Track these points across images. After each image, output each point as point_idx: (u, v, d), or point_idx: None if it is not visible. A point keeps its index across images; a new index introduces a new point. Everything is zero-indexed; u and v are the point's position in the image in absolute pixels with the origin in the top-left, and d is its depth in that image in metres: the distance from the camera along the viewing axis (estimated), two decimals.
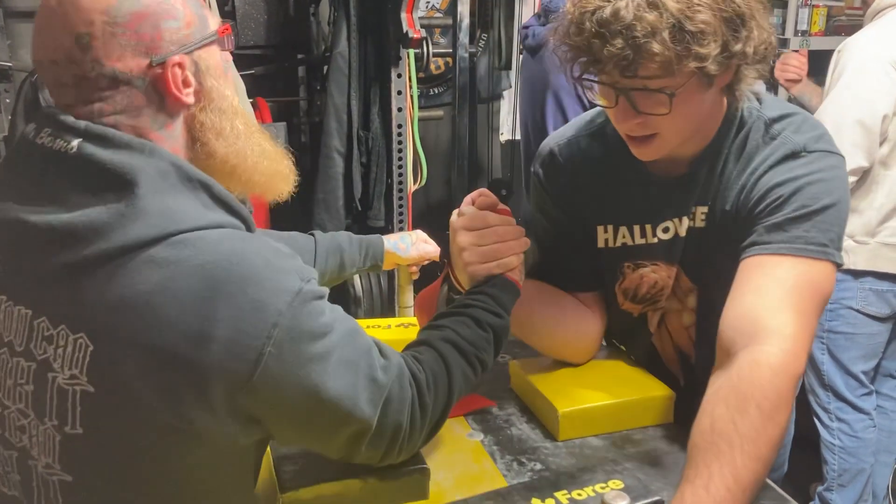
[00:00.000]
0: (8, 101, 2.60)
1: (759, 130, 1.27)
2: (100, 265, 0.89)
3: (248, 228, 1.00)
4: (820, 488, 2.69)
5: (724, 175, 1.29)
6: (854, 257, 2.46)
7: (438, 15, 3.67)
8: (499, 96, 3.80)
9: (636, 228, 1.38)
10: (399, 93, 2.74)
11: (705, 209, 1.31)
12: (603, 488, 1.10)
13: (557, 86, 2.65)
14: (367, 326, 1.68)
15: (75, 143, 0.92)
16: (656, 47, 1.08)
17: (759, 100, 1.31)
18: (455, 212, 1.28)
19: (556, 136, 1.47)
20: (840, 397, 2.59)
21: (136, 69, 0.95)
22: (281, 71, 3.26)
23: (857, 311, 2.49)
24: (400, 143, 2.80)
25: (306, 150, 3.34)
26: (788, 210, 1.19)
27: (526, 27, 2.89)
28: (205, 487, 0.99)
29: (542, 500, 1.08)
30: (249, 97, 2.89)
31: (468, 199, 1.29)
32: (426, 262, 1.82)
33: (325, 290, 0.99)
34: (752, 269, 1.18)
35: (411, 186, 2.91)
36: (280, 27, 3.17)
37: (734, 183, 1.27)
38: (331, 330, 0.96)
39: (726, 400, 1.06)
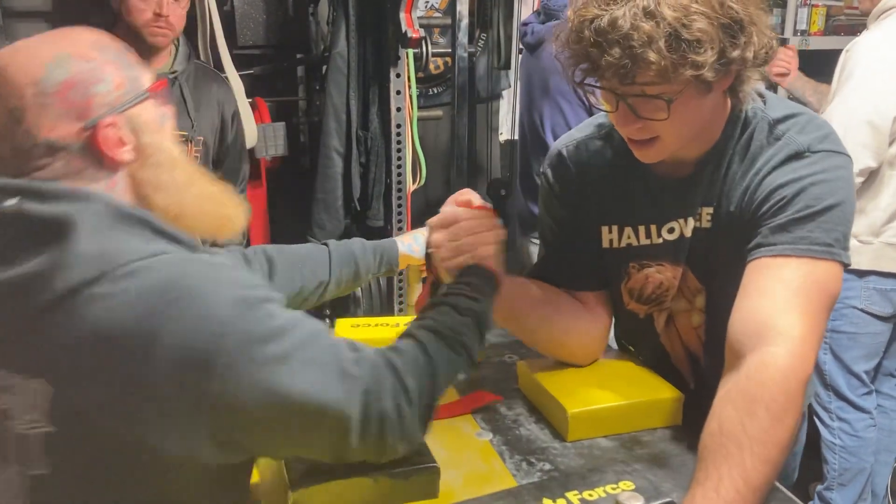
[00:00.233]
0: None
1: (763, 131, 1.27)
2: (48, 312, 0.92)
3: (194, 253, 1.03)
4: (820, 487, 2.69)
5: (728, 175, 1.29)
6: (858, 257, 2.45)
7: (437, 15, 3.66)
8: (498, 96, 3.79)
9: (641, 229, 1.39)
10: (398, 92, 2.74)
11: (710, 210, 1.31)
12: (614, 489, 1.10)
13: (555, 87, 2.64)
14: (375, 325, 1.70)
15: (13, 201, 0.96)
16: (653, 56, 1.09)
17: (763, 100, 1.31)
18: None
19: (565, 138, 1.50)
20: (841, 397, 2.59)
21: (70, 135, 0.99)
22: (280, 71, 3.25)
23: (861, 310, 2.49)
24: (399, 142, 2.80)
25: (305, 150, 3.34)
26: (792, 211, 1.19)
27: (525, 24, 2.90)
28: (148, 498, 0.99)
29: (553, 501, 1.09)
30: (248, 97, 2.89)
31: (450, 199, 1.35)
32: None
33: (275, 295, 1.02)
34: (758, 271, 1.18)
35: (410, 186, 2.91)
36: (279, 27, 3.17)
37: (739, 183, 1.27)
38: (287, 332, 0.97)
39: (735, 402, 1.06)
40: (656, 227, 1.38)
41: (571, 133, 1.50)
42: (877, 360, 2.60)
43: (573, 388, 1.41)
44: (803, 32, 3.86)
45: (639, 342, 1.55)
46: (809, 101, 2.94)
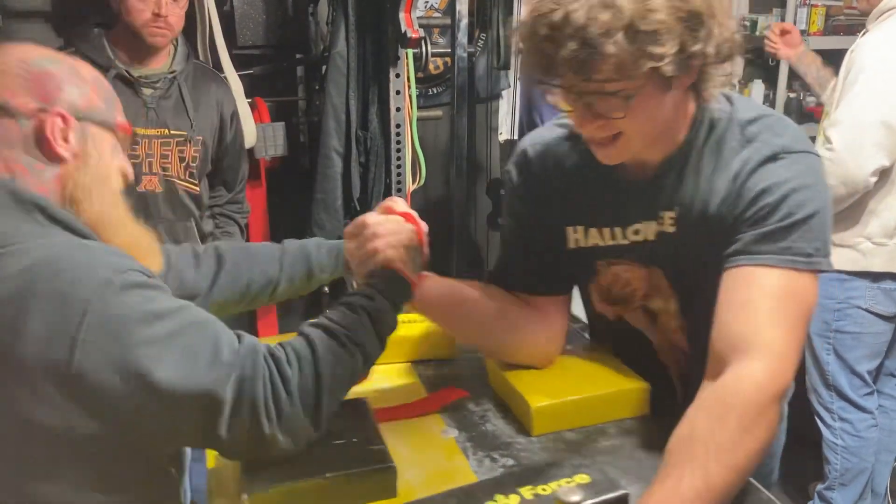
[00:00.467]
0: None
1: (733, 134, 1.26)
2: None
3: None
4: (820, 487, 2.69)
5: (699, 178, 1.27)
6: (871, 259, 2.45)
7: (437, 15, 3.66)
8: (497, 96, 3.78)
9: (606, 231, 1.38)
10: (398, 92, 2.74)
11: (673, 214, 1.29)
12: (568, 482, 1.08)
13: None
14: None
15: None
16: (610, 48, 1.07)
17: (730, 101, 1.29)
18: None
19: (531, 137, 1.48)
20: (843, 397, 2.59)
21: (24, 108, 1.10)
22: (279, 71, 3.25)
23: (866, 310, 2.49)
24: (398, 142, 2.80)
25: (305, 150, 3.33)
26: (776, 219, 1.18)
27: None
28: (69, 478, 1.03)
29: (506, 496, 1.06)
30: (248, 97, 2.89)
31: (377, 208, 1.38)
32: None
33: (157, 283, 1.07)
34: (740, 280, 1.18)
35: (410, 186, 2.91)
36: (278, 27, 3.16)
37: (713, 188, 1.25)
38: (163, 317, 1.02)
39: (707, 409, 1.07)
40: (621, 229, 1.37)
41: (539, 131, 1.48)
42: (879, 360, 2.60)
43: (539, 382, 1.41)
44: (803, 32, 3.85)
45: (615, 347, 1.54)
46: (811, 82, 2.93)
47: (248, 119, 2.79)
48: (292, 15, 3.20)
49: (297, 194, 3.07)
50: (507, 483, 1.11)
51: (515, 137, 3.61)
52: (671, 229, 1.31)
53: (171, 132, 2.41)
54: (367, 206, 2.88)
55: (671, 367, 1.46)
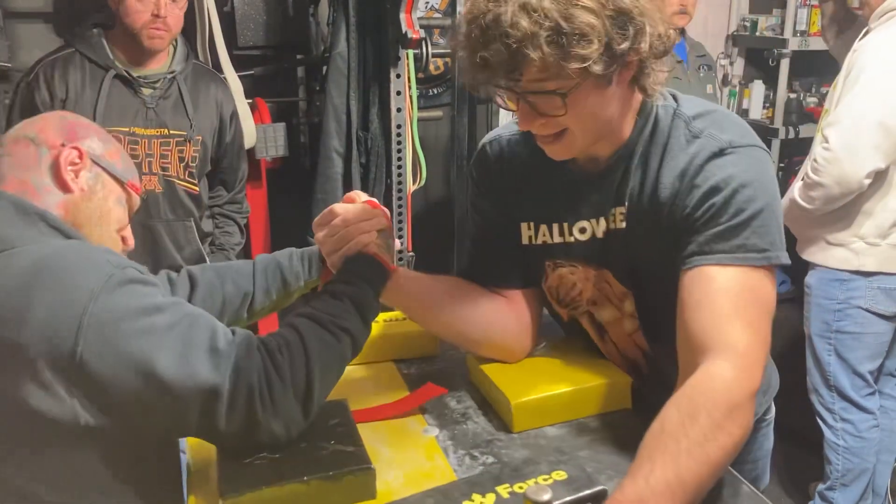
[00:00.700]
0: (6, 101, 2.60)
1: (679, 129, 1.26)
2: None
3: None
4: (821, 487, 2.69)
5: (646, 174, 1.27)
6: (864, 259, 2.45)
7: (437, 15, 3.66)
8: None
9: (555, 227, 1.39)
10: (398, 93, 2.73)
11: (623, 209, 1.30)
12: (546, 480, 1.08)
13: None
14: None
15: None
16: (532, 52, 1.08)
17: (675, 99, 1.30)
18: None
19: (491, 134, 1.50)
20: (845, 397, 2.58)
21: (49, 141, 1.24)
22: (280, 71, 3.25)
23: (866, 310, 2.49)
24: (399, 143, 2.80)
25: (305, 151, 3.34)
26: (726, 217, 1.19)
27: None
28: (62, 474, 1.07)
29: (483, 496, 1.07)
30: (248, 98, 2.89)
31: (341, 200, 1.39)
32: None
33: (152, 279, 1.14)
34: (697, 281, 1.18)
35: (411, 187, 2.91)
36: (279, 28, 3.16)
37: (661, 182, 1.25)
38: (162, 310, 1.07)
39: (679, 406, 1.07)
40: (568, 225, 1.37)
41: (498, 129, 1.50)
42: (880, 360, 2.60)
43: (519, 377, 1.40)
44: (803, 33, 3.86)
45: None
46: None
47: (248, 119, 2.79)
48: (293, 16, 3.20)
49: (298, 195, 3.07)
50: (485, 482, 1.11)
51: None
52: (622, 225, 1.31)
53: (171, 132, 2.42)
54: None
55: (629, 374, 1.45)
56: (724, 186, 1.19)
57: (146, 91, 2.39)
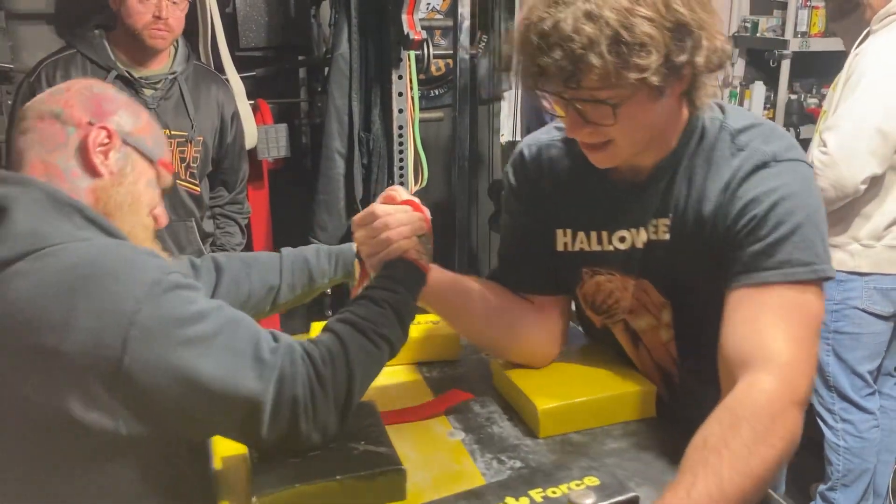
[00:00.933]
0: (10, 102, 2.60)
1: (724, 142, 1.25)
2: None
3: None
4: (822, 487, 2.69)
5: (691, 186, 1.27)
6: (859, 260, 2.45)
7: (439, 17, 3.67)
8: (499, 97, 3.79)
9: (593, 235, 1.38)
10: (400, 94, 2.74)
11: (667, 221, 1.29)
12: (578, 485, 1.08)
13: None
14: None
15: None
16: (594, 60, 1.08)
17: (722, 110, 1.29)
18: None
19: (529, 138, 1.49)
20: (845, 398, 2.58)
21: (76, 119, 1.15)
22: (282, 72, 3.26)
23: (863, 310, 2.48)
24: (401, 144, 2.81)
25: (307, 152, 3.34)
26: (767, 230, 1.18)
27: None
28: (108, 482, 1.04)
29: (516, 499, 1.06)
30: (250, 99, 2.89)
31: (379, 197, 1.36)
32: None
33: (195, 284, 1.08)
34: (743, 301, 1.17)
35: (412, 187, 2.91)
36: (281, 29, 3.17)
37: (705, 195, 1.25)
38: (205, 317, 1.03)
39: (720, 419, 1.06)
40: (607, 233, 1.36)
41: (537, 133, 1.49)
42: (879, 360, 2.60)
43: (545, 383, 1.40)
44: (804, 34, 3.86)
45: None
46: None
47: (249, 120, 2.79)
48: (294, 17, 3.21)
49: (300, 196, 3.08)
50: (517, 485, 1.11)
51: (517, 139, 3.61)
52: (665, 237, 1.30)
53: (172, 132, 2.42)
54: None
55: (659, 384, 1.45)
56: (765, 199, 1.19)
57: (147, 92, 2.40)
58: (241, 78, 2.84)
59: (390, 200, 1.34)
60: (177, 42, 2.48)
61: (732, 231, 1.21)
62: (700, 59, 1.14)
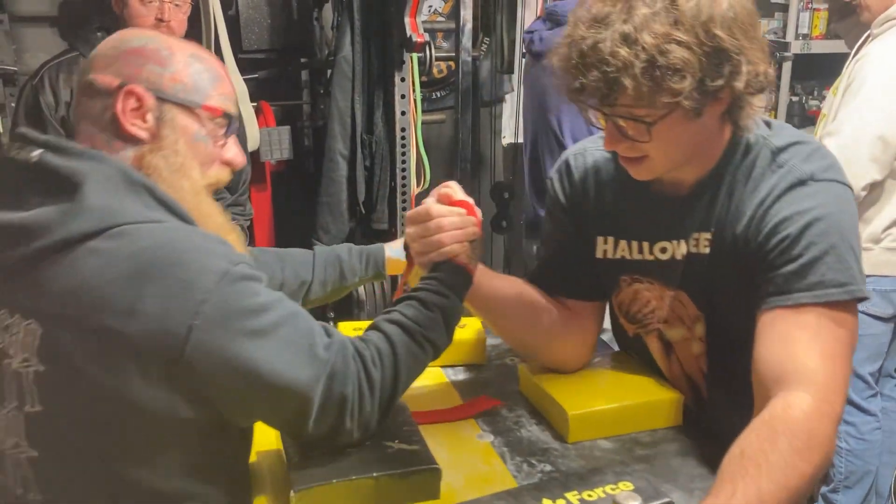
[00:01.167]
0: (13, 104, 2.61)
1: (765, 158, 1.26)
2: (47, 257, 1.00)
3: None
4: (824, 489, 2.69)
5: (731, 202, 1.27)
6: None
7: (440, 19, 3.67)
8: (501, 99, 3.80)
9: (634, 244, 1.39)
10: (402, 96, 2.74)
11: (709, 235, 1.30)
12: (613, 489, 1.10)
13: None
14: None
15: (36, 153, 1.05)
16: (628, 81, 1.10)
17: (769, 126, 1.29)
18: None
19: (577, 146, 1.51)
20: (847, 400, 2.58)
21: (108, 85, 1.10)
22: (284, 75, 3.27)
23: (863, 312, 2.48)
24: (403, 146, 2.81)
25: (310, 154, 3.35)
26: (799, 249, 1.17)
27: (530, 32, 2.89)
28: (161, 460, 1.05)
29: (553, 501, 1.09)
30: (253, 101, 2.90)
31: (433, 191, 1.34)
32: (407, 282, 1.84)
33: (260, 274, 1.07)
34: (777, 320, 1.17)
35: (414, 189, 2.92)
36: (283, 31, 3.18)
37: (741, 211, 1.26)
38: (267, 309, 1.04)
39: (758, 432, 1.07)
40: (648, 244, 1.37)
41: (584, 142, 1.51)
42: (880, 362, 2.60)
43: (574, 389, 1.42)
44: (805, 36, 3.87)
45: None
46: None
47: (252, 122, 2.80)
48: (297, 19, 3.22)
49: (303, 198, 3.08)
50: (553, 488, 1.13)
51: (519, 141, 3.62)
52: (705, 251, 1.30)
53: None
54: (371, 210, 2.89)
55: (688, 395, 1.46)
56: (799, 218, 1.18)
57: None
58: (244, 80, 2.84)
59: (445, 199, 1.32)
60: None
61: (764, 249, 1.21)
62: (739, 84, 1.14)
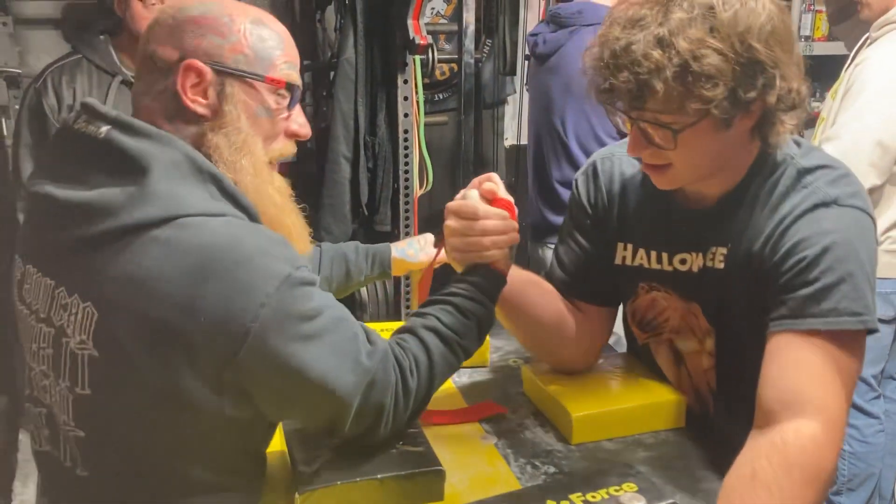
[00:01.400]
0: (17, 107, 2.62)
1: (790, 177, 1.24)
2: (109, 241, 0.98)
3: (253, 221, 1.06)
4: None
5: (750, 219, 1.26)
6: None
7: (443, 21, 3.68)
8: (503, 101, 3.80)
9: (654, 254, 1.39)
10: (405, 98, 2.75)
11: (725, 251, 1.28)
12: (617, 491, 1.12)
13: (579, 91, 2.64)
14: (381, 330, 1.69)
15: (104, 129, 1.02)
16: (658, 85, 1.09)
17: (799, 146, 1.28)
18: (459, 194, 1.32)
19: (604, 150, 1.51)
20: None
21: (168, 59, 1.06)
22: None
23: None
24: (406, 148, 2.81)
25: (312, 156, 3.35)
26: (816, 274, 1.15)
27: (534, 35, 2.89)
28: (201, 452, 1.06)
29: (557, 502, 1.10)
30: None
31: (475, 181, 1.32)
32: (437, 265, 1.84)
33: (315, 277, 1.06)
34: (788, 345, 1.16)
35: (417, 191, 2.92)
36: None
37: (760, 228, 1.24)
38: (319, 314, 1.03)
39: (769, 457, 1.07)
40: (668, 255, 1.37)
41: (612, 146, 1.51)
42: (882, 364, 2.60)
43: (577, 391, 1.42)
44: (807, 38, 3.87)
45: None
46: None
47: None
48: (300, 22, 3.22)
49: (306, 200, 3.07)
50: (556, 490, 1.14)
51: (521, 142, 3.62)
52: (720, 265, 1.29)
53: None
54: (374, 211, 2.89)
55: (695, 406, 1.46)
56: (818, 241, 1.16)
57: None
58: None
59: (489, 195, 1.29)
60: None
61: (780, 269, 1.19)
62: (771, 98, 1.13)
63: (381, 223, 2.90)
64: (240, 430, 1.07)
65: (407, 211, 2.86)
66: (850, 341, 1.16)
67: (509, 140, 3.93)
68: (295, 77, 1.13)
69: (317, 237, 3.00)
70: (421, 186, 2.95)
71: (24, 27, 2.84)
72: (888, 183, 2.39)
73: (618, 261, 1.44)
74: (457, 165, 3.39)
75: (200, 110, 1.06)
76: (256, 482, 1.16)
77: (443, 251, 1.35)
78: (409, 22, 2.59)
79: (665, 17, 1.10)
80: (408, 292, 2.87)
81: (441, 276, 1.40)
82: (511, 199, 1.31)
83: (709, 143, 1.18)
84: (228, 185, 1.04)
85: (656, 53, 1.09)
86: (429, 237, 1.83)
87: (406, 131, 2.78)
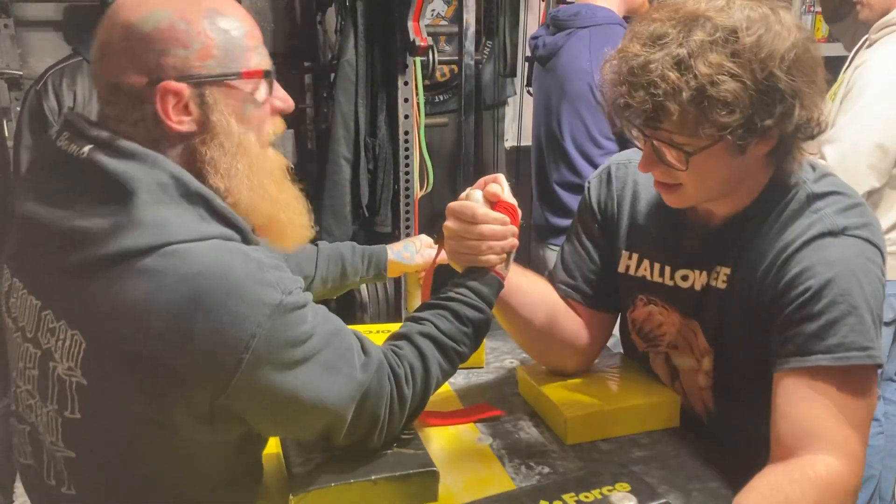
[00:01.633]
0: (18, 109, 2.62)
1: (799, 202, 1.22)
2: (96, 270, 0.95)
3: (246, 240, 1.03)
4: None
5: (758, 241, 1.24)
6: None
7: (443, 23, 3.68)
8: (504, 103, 3.81)
9: (657, 266, 1.38)
10: (406, 100, 2.75)
11: (728, 271, 1.27)
12: (610, 491, 1.12)
13: (574, 92, 2.64)
14: (377, 332, 1.69)
15: (86, 148, 0.99)
16: (673, 107, 1.08)
17: (813, 169, 1.26)
18: (463, 193, 1.30)
19: (620, 156, 1.48)
20: None
21: (137, 86, 0.99)
22: (288, 78, 3.27)
23: None
24: (406, 149, 2.82)
25: (313, 158, 3.35)
26: (821, 307, 1.13)
27: (535, 38, 2.90)
28: (194, 471, 1.06)
29: (550, 503, 1.09)
30: None
31: (480, 181, 1.30)
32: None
33: (308, 297, 1.03)
34: (801, 383, 1.13)
35: (418, 192, 2.92)
36: (287, 35, 3.19)
37: (764, 252, 1.22)
38: (310, 336, 1.02)
39: (803, 489, 1.07)
40: (671, 269, 1.36)
41: (629, 152, 1.48)
42: (883, 366, 2.60)
43: (571, 392, 1.43)
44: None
45: None
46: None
47: None
48: (300, 23, 3.23)
49: (306, 201, 3.08)
50: (550, 490, 1.14)
51: (522, 144, 3.63)
52: (722, 286, 1.28)
53: None
54: (375, 213, 2.90)
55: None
56: (823, 272, 1.14)
57: None
58: None
59: (492, 197, 1.26)
60: None
61: (782, 300, 1.17)
62: (789, 127, 1.12)
63: (382, 224, 2.91)
64: (234, 448, 1.07)
65: (407, 212, 2.86)
66: (861, 375, 1.13)
67: (509, 142, 3.93)
68: (267, 62, 1.08)
69: (317, 238, 3.00)
70: (421, 188, 2.95)
71: (26, 29, 2.84)
72: (887, 186, 2.39)
73: (621, 269, 1.43)
74: (457, 167, 3.39)
75: (187, 128, 1.01)
76: (251, 490, 1.16)
77: (443, 251, 1.35)
78: (410, 23, 2.59)
79: (686, 38, 1.08)
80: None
81: (441, 276, 1.41)
82: (514, 202, 1.28)
83: (722, 167, 1.17)
84: (218, 205, 1.00)
85: (673, 75, 1.07)
86: (425, 239, 1.82)
87: (406, 133, 2.78)
